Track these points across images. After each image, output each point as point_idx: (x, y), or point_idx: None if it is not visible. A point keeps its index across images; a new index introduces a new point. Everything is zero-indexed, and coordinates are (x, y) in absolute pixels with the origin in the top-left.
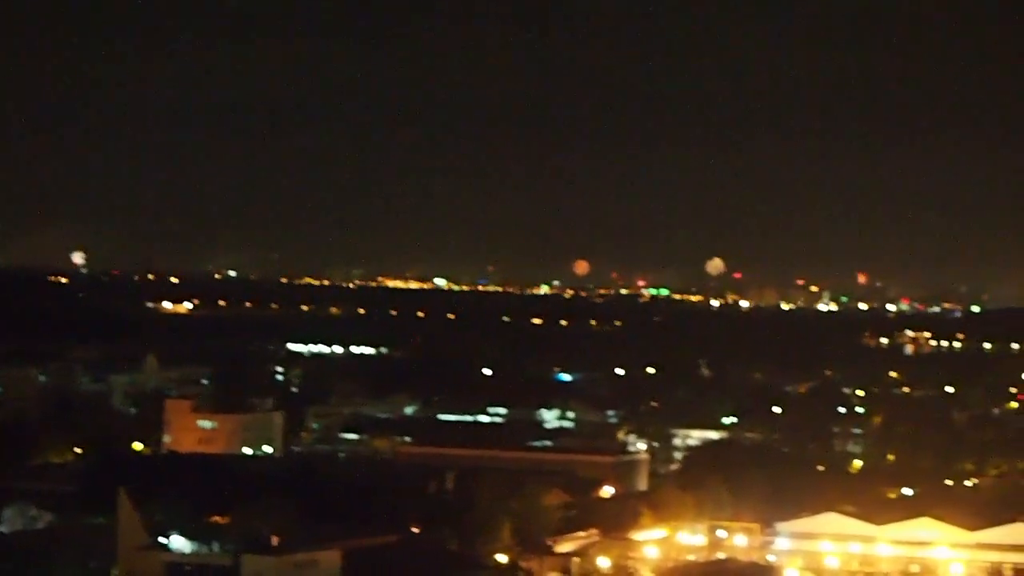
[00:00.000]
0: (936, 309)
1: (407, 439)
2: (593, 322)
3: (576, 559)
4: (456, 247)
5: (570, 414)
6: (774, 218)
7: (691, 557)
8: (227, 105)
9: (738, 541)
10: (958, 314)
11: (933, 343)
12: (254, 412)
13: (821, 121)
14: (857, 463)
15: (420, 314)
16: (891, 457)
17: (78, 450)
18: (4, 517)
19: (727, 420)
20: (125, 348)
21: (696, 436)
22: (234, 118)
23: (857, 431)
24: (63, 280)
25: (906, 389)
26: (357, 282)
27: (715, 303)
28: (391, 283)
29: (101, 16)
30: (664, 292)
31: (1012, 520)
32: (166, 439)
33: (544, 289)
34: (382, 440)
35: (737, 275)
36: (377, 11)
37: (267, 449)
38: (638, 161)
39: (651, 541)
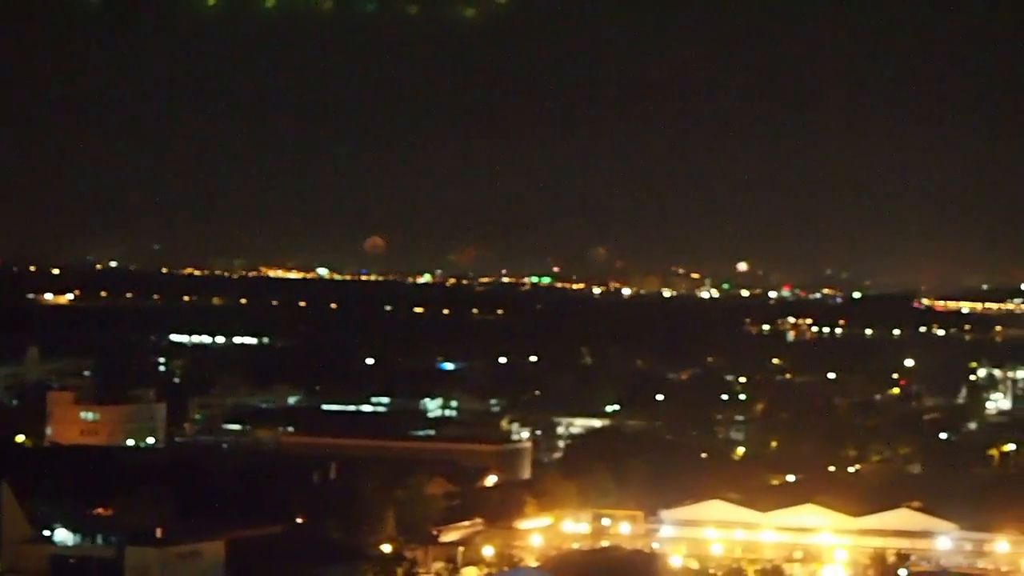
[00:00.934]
0: (818, 296)
1: (290, 429)
2: (475, 311)
3: (461, 548)
4: (337, 236)
5: (453, 403)
6: (655, 206)
7: (575, 545)
8: (106, 95)
9: (622, 529)
10: (840, 300)
11: (815, 330)
12: (137, 403)
13: (701, 109)
14: (740, 450)
15: (302, 304)
16: (774, 444)
17: None
18: None
19: (610, 408)
20: (6, 340)
21: (579, 424)
22: (112, 108)
23: (740, 418)
24: None
25: (788, 376)
26: (239, 272)
27: (597, 291)
28: (273, 273)
29: None
30: (546, 280)
31: (895, 506)
32: (48, 431)
33: (426, 278)
34: (265, 430)
35: (619, 263)
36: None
37: (150, 440)
38: (517, 149)
39: (535, 529)
